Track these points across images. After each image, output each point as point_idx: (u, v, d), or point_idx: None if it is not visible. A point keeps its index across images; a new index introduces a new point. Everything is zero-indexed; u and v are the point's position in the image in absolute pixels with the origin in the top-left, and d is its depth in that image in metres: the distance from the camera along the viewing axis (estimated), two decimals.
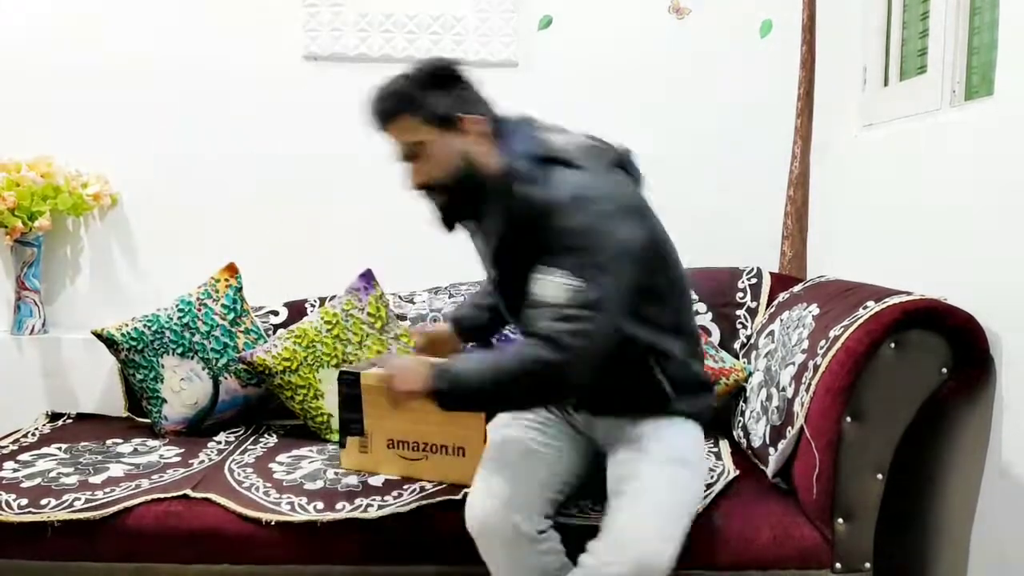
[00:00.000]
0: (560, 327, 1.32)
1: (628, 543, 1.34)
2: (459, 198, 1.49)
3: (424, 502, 1.63)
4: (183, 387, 2.11)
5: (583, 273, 1.33)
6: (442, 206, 1.51)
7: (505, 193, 1.43)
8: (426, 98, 1.45)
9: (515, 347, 1.42)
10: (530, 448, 1.56)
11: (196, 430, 2.12)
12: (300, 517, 1.60)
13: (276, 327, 2.30)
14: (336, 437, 2.04)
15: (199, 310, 2.17)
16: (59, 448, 1.97)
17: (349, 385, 1.74)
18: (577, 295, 1.32)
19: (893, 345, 1.55)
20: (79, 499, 1.65)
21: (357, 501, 1.64)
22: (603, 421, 1.59)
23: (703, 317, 2.19)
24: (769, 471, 1.70)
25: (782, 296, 2.10)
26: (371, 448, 1.77)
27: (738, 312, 2.21)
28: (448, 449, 1.72)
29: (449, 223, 1.53)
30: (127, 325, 2.13)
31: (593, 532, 1.40)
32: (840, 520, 1.56)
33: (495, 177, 1.45)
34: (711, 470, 1.72)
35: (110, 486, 1.72)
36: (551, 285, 1.34)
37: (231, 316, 2.19)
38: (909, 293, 1.64)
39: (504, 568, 1.47)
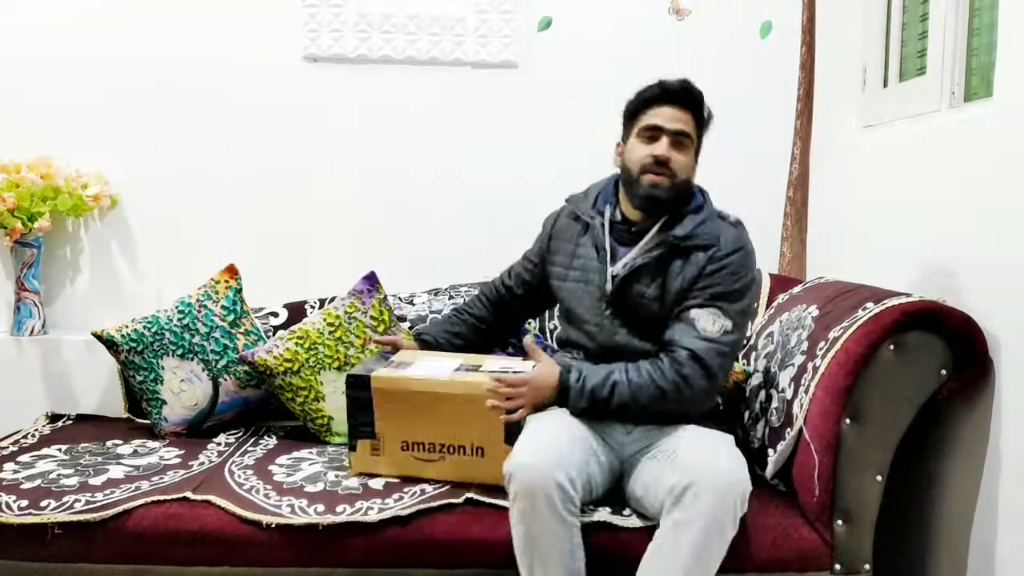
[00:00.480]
0: (712, 356, 1.62)
1: (709, 462, 1.48)
2: (673, 194, 1.70)
3: (424, 505, 1.63)
4: (183, 388, 2.11)
5: (735, 318, 1.66)
6: (662, 191, 1.68)
7: (699, 215, 1.71)
8: (706, 124, 1.76)
9: (650, 363, 1.64)
10: (573, 426, 1.64)
11: (196, 432, 2.12)
12: (300, 520, 1.60)
13: (276, 328, 2.30)
14: (336, 439, 2.04)
15: (199, 311, 2.17)
16: (59, 449, 1.97)
17: (358, 388, 1.71)
18: (727, 336, 1.64)
19: (892, 347, 1.55)
20: (79, 501, 1.66)
21: (358, 504, 1.64)
22: (642, 429, 1.67)
23: None
24: (768, 473, 1.70)
25: (781, 297, 2.10)
26: (383, 451, 1.73)
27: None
28: (466, 449, 1.68)
29: (653, 209, 1.71)
30: (127, 326, 2.13)
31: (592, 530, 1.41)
32: (839, 522, 1.56)
33: (696, 203, 1.73)
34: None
35: (110, 488, 1.72)
36: (713, 320, 1.64)
37: (231, 317, 2.20)
38: (908, 295, 1.64)
39: (539, 539, 1.46)
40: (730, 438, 1.66)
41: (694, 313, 1.65)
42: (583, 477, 1.52)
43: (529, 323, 2.23)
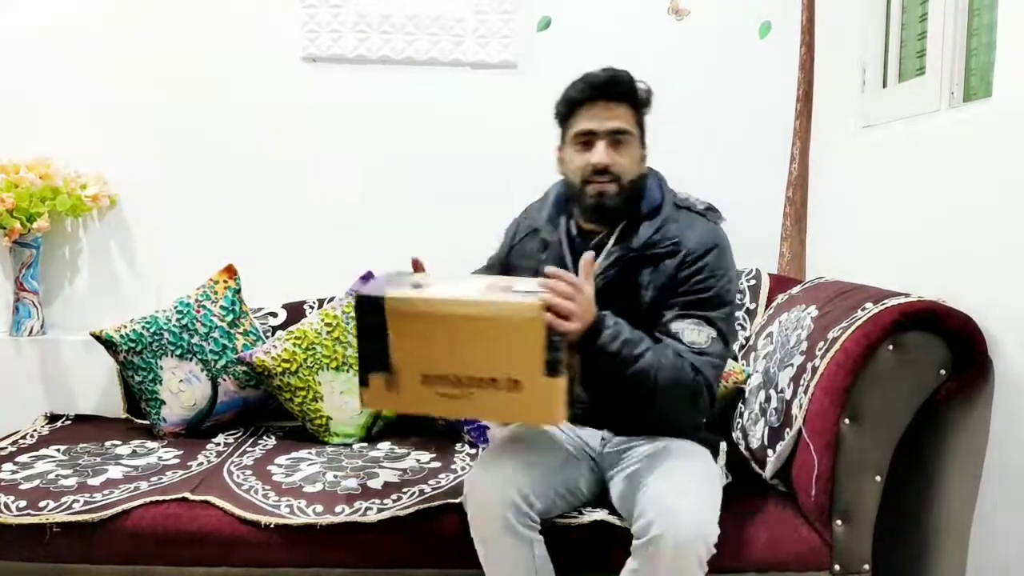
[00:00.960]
0: (707, 369, 1.50)
1: (673, 508, 1.36)
2: (623, 200, 1.59)
3: (424, 505, 1.63)
4: (182, 389, 2.11)
5: (720, 325, 1.54)
6: (609, 199, 1.57)
7: (655, 219, 1.59)
8: (644, 108, 1.63)
9: (674, 356, 1.50)
10: (537, 441, 1.59)
11: (195, 432, 2.12)
12: (299, 520, 1.60)
13: (275, 329, 2.30)
14: (335, 439, 2.05)
15: (198, 312, 2.17)
16: (58, 450, 1.97)
17: (369, 311, 1.42)
18: (715, 345, 1.52)
19: (891, 347, 1.55)
20: (78, 501, 1.66)
21: (356, 504, 1.64)
22: (623, 439, 1.64)
23: None
24: (767, 473, 1.70)
25: (781, 297, 2.10)
26: (401, 386, 1.44)
27: (737, 313, 2.20)
28: (498, 383, 1.38)
29: (604, 219, 1.61)
30: (126, 327, 2.13)
31: (590, 531, 1.40)
32: (838, 522, 1.56)
33: (651, 203, 1.62)
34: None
35: (109, 488, 1.72)
36: (697, 331, 1.52)
37: (230, 318, 2.19)
38: (907, 295, 1.64)
39: (496, 556, 1.46)
40: (705, 465, 1.56)
41: (676, 327, 1.53)
42: (543, 491, 1.50)
43: None
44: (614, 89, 1.57)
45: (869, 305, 1.62)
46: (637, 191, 1.61)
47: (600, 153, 1.55)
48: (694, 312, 1.54)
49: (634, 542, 1.39)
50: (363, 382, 1.47)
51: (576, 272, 1.53)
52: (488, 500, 1.45)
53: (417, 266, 1.55)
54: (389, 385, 1.44)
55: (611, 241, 1.61)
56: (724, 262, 1.58)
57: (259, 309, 2.34)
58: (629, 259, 1.58)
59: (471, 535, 1.49)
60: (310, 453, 1.96)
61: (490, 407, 1.43)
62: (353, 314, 2.12)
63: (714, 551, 1.37)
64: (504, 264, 1.80)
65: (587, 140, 1.57)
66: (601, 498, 1.63)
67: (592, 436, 1.67)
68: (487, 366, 1.39)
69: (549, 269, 1.41)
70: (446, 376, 1.41)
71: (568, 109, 1.60)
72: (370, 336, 1.43)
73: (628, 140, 1.58)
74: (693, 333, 1.53)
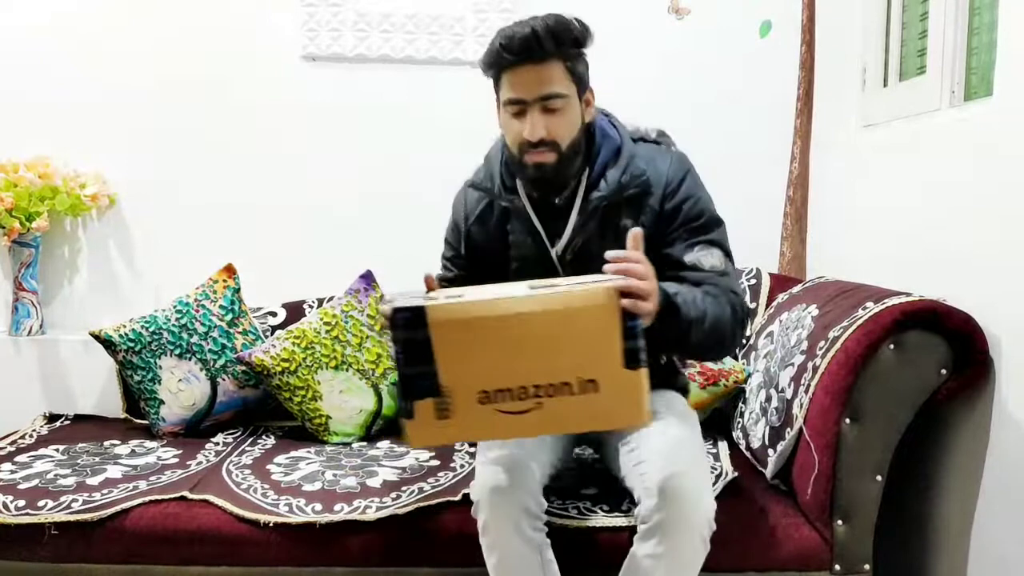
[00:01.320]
0: (736, 284, 1.53)
1: (675, 493, 1.33)
2: (564, 165, 1.50)
3: (423, 504, 1.62)
4: (181, 388, 2.11)
5: (723, 246, 1.54)
6: (550, 169, 1.49)
7: (619, 162, 1.53)
8: (578, 55, 1.48)
9: (715, 295, 1.47)
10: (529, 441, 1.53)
11: (194, 431, 2.12)
12: (298, 519, 1.60)
13: (274, 328, 2.30)
14: (334, 438, 2.04)
15: (197, 311, 2.17)
16: (57, 449, 1.97)
17: (409, 326, 1.19)
18: (728, 263, 1.53)
19: (892, 346, 1.54)
20: (76, 501, 1.65)
21: (355, 503, 1.64)
22: None
23: None
24: (768, 472, 1.69)
25: (781, 297, 2.10)
26: (455, 410, 1.22)
27: None
28: (572, 386, 1.20)
29: (545, 187, 1.53)
30: (125, 326, 2.12)
31: (589, 533, 1.39)
32: (839, 521, 1.56)
33: (611, 146, 1.55)
34: (711, 470, 1.72)
35: (108, 488, 1.71)
36: (709, 254, 1.50)
37: (229, 317, 2.19)
38: (908, 294, 1.63)
39: (506, 562, 1.42)
40: (693, 428, 1.53)
41: (690, 258, 1.49)
42: (544, 478, 1.47)
43: None
44: (538, 51, 1.42)
45: (870, 304, 1.62)
46: (578, 150, 1.52)
47: (533, 126, 1.45)
48: (699, 239, 1.52)
49: (639, 527, 1.39)
50: (407, 413, 1.23)
51: (546, 234, 1.55)
52: (502, 509, 1.39)
53: (430, 284, 1.40)
54: (440, 412, 1.22)
55: (580, 194, 1.55)
56: (698, 183, 1.59)
57: (258, 308, 2.34)
58: (605, 207, 1.54)
59: (479, 540, 1.43)
60: (309, 452, 1.95)
61: (564, 417, 1.23)
62: (349, 316, 2.12)
63: (714, 527, 1.37)
64: (468, 249, 1.67)
65: (519, 111, 1.47)
66: (603, 497, 1.63)
67: None
68: (557, 369, 1.20)
69: (610, 254, 1.29)
70: (508, 389, 1.21)
71: (493, 72, 1.49)
72: (412, 355, 1.20)
73: (563, 103, 1.46)
74: (710, 258, 1.51)
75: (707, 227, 1.54)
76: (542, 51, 1.42)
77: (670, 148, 1.62)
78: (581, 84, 1.50)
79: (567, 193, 1.56)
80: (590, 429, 1.35)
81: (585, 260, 1.51)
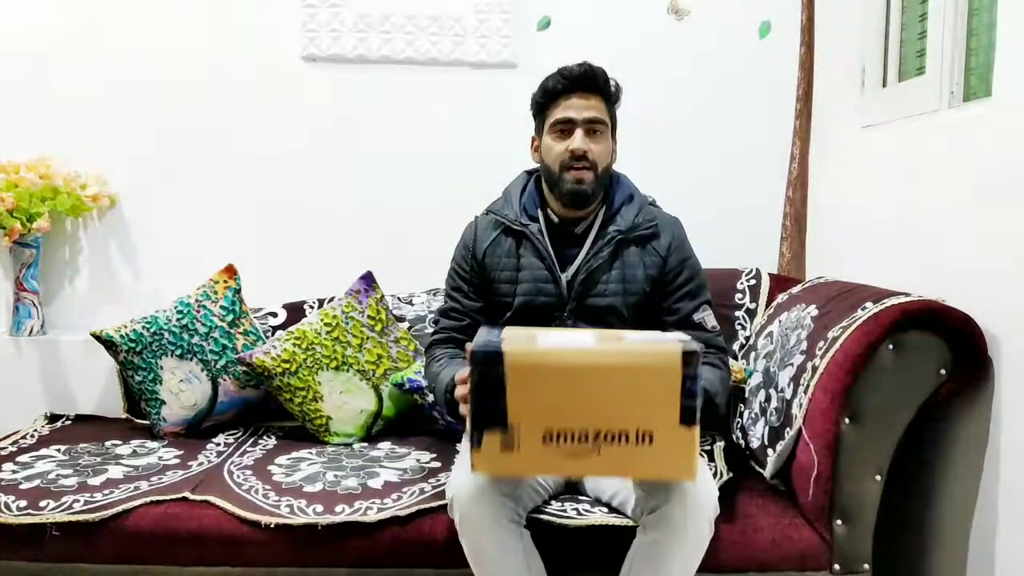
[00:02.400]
0: (723, 342, 1.74)
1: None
2: (598, 187, 1.69)
3: (424, 505, 1.63)
4: (182, 389, 2.11)
5: (711, 303, 1.75)
6: (587, 186, 1.67)
7: (634, 204, 1.73)
8: (615, 101, 1.73)
9: (710, 360, 1.65)
10: None
11: (195, 432, 2.12)
12: (299, 520, 1.60)
13: (275, 329, 2.30)
14: (335, 439, 2.05)
15: (198, 312, 2.17)
16: (58, 450, 1.97)
17: (487, 362, 1.28)
18: (716, 320, 1.75)
19: (891, 346, 1.55)
20: (78, 501, 1.65)
21: (356, 504, 1.64)
22: None
23: None
24: (767, 472, 1.70)
25: (781, 297, 2.10)
26: (519, 445, 1.31)
27: (737, 313, 2.21)
28: (628, 437, 1.28)
29: (581, 204, 1.70)
30: (126, 327, 2.13)
31: (588, 532, 1.39)
32: (839, 521, 1.56)
33: (626, 190, 1.76)
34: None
35: (109, 488, 1.72)
36: (711, 317, 1.72)
37: (230, 318, 2.19)
38: (907, 294, 1.64)
39: (486, 556, 1.45)
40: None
41: (697, 317, 1.70)
42: (521, 485, 1.50)
43: None
44: (590, 82, 1.66)
45: (869, 304, 1.62)
46: (608, 179, 1.73)
47: (579, 139, 1.65)
48: (701, 299, 1.73)
49: (644, 517, 1.42)
50: (476, 443, 1.31)
51: (558, 260, 1.71)
52: (473, 504, 1.43)
53: (463, 379, 1.45)
54: (506, 445, 1.31)
55: (596, 226, 1.72)
56: (691, 247, 1.77)
57: (259, 309, 2.34)
58: (616, 244, 1.70)
59: (459, 540, 1.47)
60: (310, 453, 1.96)
61: (617, 463, 1.31)
62: (349, 317, 2.12)
63: (718, 510, 1.45)
64: (479, 273, 1.77)
65: (565, 129, 1.67)
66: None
67: None
68: (620, 418, 1.28)
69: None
70: (571, 432, 1.29)
71: (547, 100, 1.69)
72: (486, 390, 1.29)
73: (603, 130, 1.68)
74: (711, 319, 1.72)
75: (704, 287, 1.74)
76: (595, 83, 1.67)
77: (662, 210, 1.81)
78: (614, 126, 1.73)
79: (585, 225, 1.73)
80: (640, 477, 1.43)
81: (592, 287, 1.69)
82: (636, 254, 1.71)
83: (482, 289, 1.78)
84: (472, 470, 1.33)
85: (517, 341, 1.32)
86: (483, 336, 1.36)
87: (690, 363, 1.25)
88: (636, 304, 1.70)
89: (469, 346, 1.28)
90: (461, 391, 1.44)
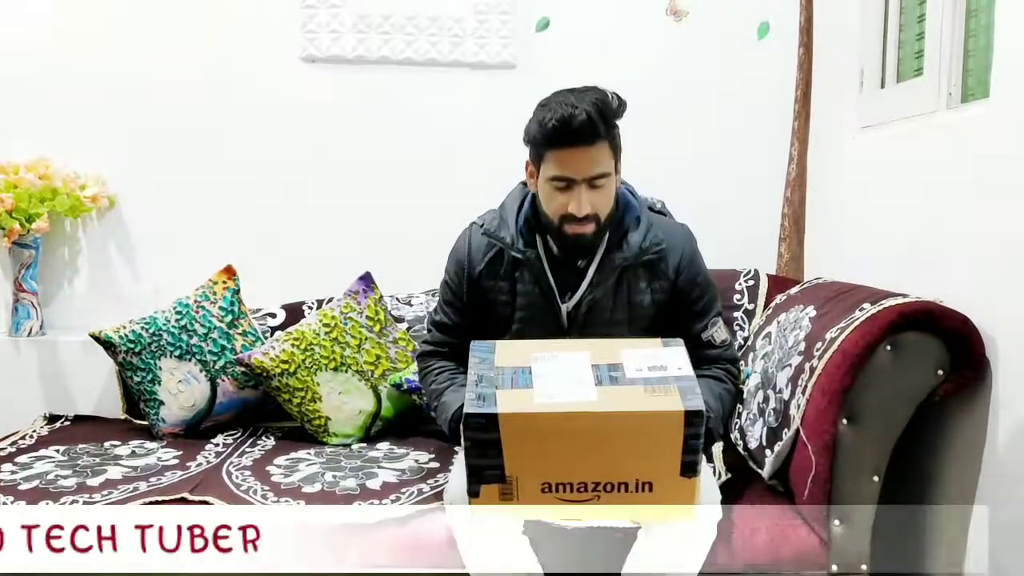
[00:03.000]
0: (735, 353, 1.70)
1: None
2: (601, 234, 1.56)
3: (422, 506, 1.63)
4: (181, 389, 2.11)
5: (722, 314, 1.68)
6: (588, 238, 1.53)
7: (640, 227, 1.59)
8: (615, 128, 1.52)
9: (715, 379, 1.61)
10: None
11: (194, 432, 2.12)
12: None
13: (274, 329, 2.30)
14: (334, 439, 2.05)
15: (197, 312, 2.17)
16: (57, 450, 1.98)
17: (480, 429, 1.26)
18: (727, 329, 1.68)
19: (889, 347, 1.55)
20: (77, 502, 1.65)
21: (355, 504, 1.64)
22: None
23: None
24: (765, 473, 1.70)
25: (779, 298, 2.11)
26: (519, 494, 1.31)
27: (735, 314, 2.21)
28: (628, 486, 1.29)
29: (578, 254, 1.58)
30: (125, 327, 2.13)
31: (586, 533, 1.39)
32: (836, 522, 1.56)
33: (633, 213, 1.61)
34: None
35: (108, 488, 1.72)
36: (719, 329, 1.65)
37: (229, 318, 2.20)
38: (905, 295, 1.64)
39: (486, 561, 1.45)
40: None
41: (707, 335, 1.62)
42: None
43: None
44: (591, 134, 1.45)
45: (867, 306, 1.62)
46: (611, 218, 1.58)
47: (580, 203, 1.48)
48: (711, 315, 1.65)
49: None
50: (474, 494, 1.32)
51: (558, 290, 1.59)
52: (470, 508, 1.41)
53: None
54: (504, 495, 1.31)
55: (599, 253, 1.59)
56: (701, 255, 1.67)
57: (258, 310, 2.34)
58: (620, 272, 1.59)
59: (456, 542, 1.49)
60: (309, 453, 1.96)
61: (617, 510, 1.34)
62: (348, 318, 2.12)
63: (721, 514, 1.47)
64: (473, 295, 1.66)
65: (566, 186, 1.49)
66: None
67: None
68: (619, 470, 1.29)
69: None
70: (569, 484, 1.29)
71: (544, 145, 1.49)
72: (481, 450, 1.28)
73: (607, 181, 1.50)
74: (720, 333, 1.65)
75: (714, 300, 1.66)
76: (596, 136, 1.46)
77: (673, 219, 1.71)
78: (618, 157, 1.54)
79: (587, 257, 1.60)
80: (639, 521, 1.44)
81: (595, 317, 1.59)
82: (644, 279, 1.60)
83: (476, 309, 1.66)
84: (472, 514, 1.34)
85: (511, 390, 1.29)
86: (474, 373, 1.32)
87: (692, 423, 1.24)
88: (644, 329, 1.61)
89: (467, 407, 1.24)
90: None
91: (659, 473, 1.27)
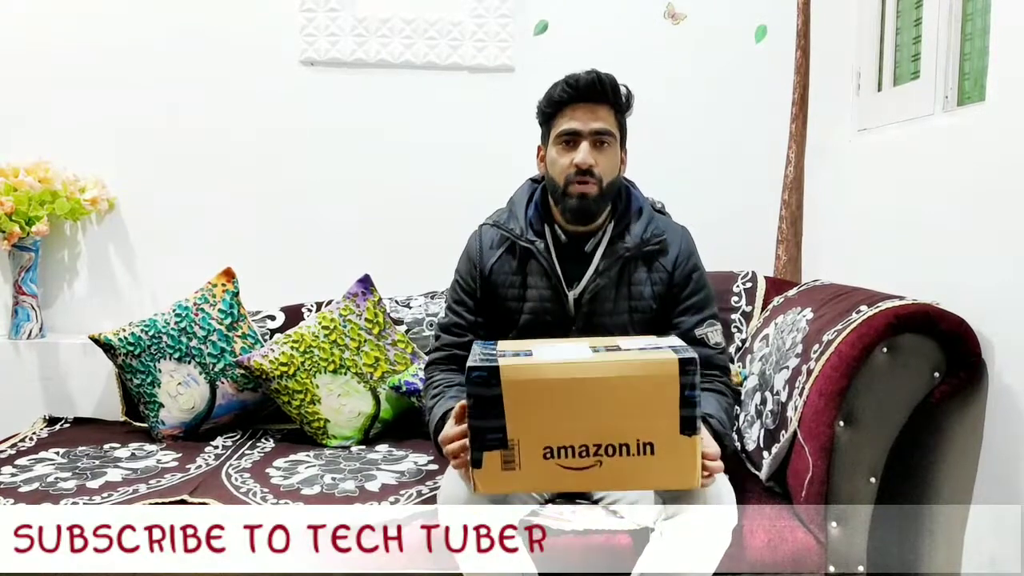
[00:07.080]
0: (727, 361, 1.71)
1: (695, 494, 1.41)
2: (603, 201, 1.63)
3: (423, 507, 1.63)
4: (180, 392, 2.12)
5: (718, 317, 1.71)
6: (591, 202, 1.60)
7: (643, 219, 1.67)
8: (625, 110, 1.65)
9: (718, 392, 1.63)
10: None
11: (193, 435, 2.12)
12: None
13: (273, 332, 2.30)
14: (333, 442, 2.05)
15: (196, 315, 2.18)
16: (57, 453, 1.98)
17: (482, 383, 1.28)
18: (722, 335, 1.70)
19: (886, 349, 1.55)
20: (76, 504, 1.66)
21: (355, 506, 1.65)
22: None
23: None
24: (763, 475, 1.70)
25: (777, 300, 2.11)
26: (520, 462, 1.31)
27: (733, 316, 2.22)
28: (630, 448, 1.30)
29: (585, 219, 1.64)
30: (124, 330, 2.13)
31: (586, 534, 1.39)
32: (833, 524, 1.57)
33: (636, 203, 1.69)
34: None
35: (107, 491, 1.72)
36: (715, 331, 1.68)
37: (228, 321, 2.20)
38: (902, 297, 1.65)
39: (480, 566, 1.44)
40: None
41: (700, 332, 1.65)
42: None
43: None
44: (597, 91, 1.58)
45: (864, 308, 1.63)
46: (615, 192, 1.66)
47: (584, 153, 1.57)
48: (706, 313, 1.68)
49: (662, 523, 1.42)
50: (476, 463, 1.32)
51: (565, 279, 1.65)
52: (462, 512, 1.44)
53: (459, 416, 1.43)
54: (506, 463, 1.32)
55: (604, 242, 1.66)
56: (699, 257, 1.73)
57: (257, 312, 2.35)
58: (623, 261, 1.65)
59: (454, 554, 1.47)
60: (308, 456, 1.96)
61: (620, 475, 1.32)
62: (347, 320, 2.13)
63: (736, 520, 1.46)
64: (485, 289, 1.70)
65: (570, 141, 1.59)
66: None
67: None
68: (620, 431, 1.30)
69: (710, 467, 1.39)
70: (571, 447, 1.30)
71: (552, 110, 1.62)
72: (484, 410, 1.29)
73: (610, 142, 1.60)
74: (715, 335, 1.68)
75: (710, 300, 1.70)
76: (603, 93, 1.58)
77: (672, 219, 1.77)
78: (623, 137, 1.65)
79: (593, 242, 1.67)
80: (644, 488, 1.46)
81: (599, 307, 1.65)
82: (643, 271, 1.66)
83: (487, 304, 1.71)
84: (474, 491, 1.34)
85: (513, 357, 1.32)
86: (478, 352, 1.36)
87: (687, 371, 1.27)
88: (644, 322, 1.66)
89: (469, 362, 1.29)
90: (452, 447, 1.41)
91: (659, 431, 1.29)
